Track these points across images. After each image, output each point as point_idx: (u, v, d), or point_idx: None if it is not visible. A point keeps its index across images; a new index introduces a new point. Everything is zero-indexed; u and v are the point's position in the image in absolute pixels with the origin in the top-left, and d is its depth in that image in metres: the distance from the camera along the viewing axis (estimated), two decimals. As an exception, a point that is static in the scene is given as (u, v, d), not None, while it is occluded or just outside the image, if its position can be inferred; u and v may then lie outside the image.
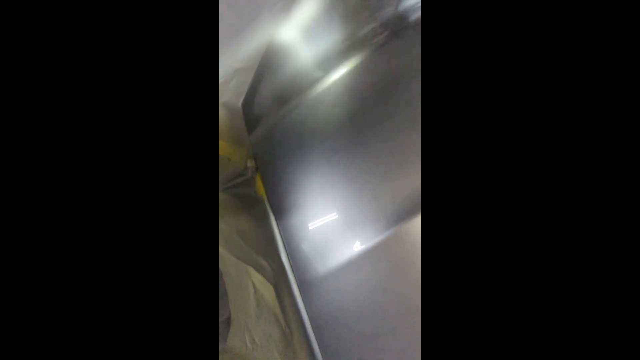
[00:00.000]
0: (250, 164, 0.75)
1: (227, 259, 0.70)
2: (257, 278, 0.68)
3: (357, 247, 0.59)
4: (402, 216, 0.57)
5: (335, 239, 0.61)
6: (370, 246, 0.58)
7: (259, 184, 0.75)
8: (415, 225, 0.56)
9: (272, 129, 0.72)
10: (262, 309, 0.70)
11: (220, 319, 0.80)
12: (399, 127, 0.59)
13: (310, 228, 0.64)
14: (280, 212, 0.68)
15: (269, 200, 0.70)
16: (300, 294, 0.63)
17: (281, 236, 0.67)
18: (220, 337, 0.76)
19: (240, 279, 0.72)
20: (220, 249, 0.69)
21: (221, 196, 0.73)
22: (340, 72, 0.67)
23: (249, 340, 0.70)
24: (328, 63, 0.68)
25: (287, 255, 0.66)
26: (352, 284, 0.59)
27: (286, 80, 0.71)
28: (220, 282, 0.68)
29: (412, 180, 0.57)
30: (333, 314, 0.60)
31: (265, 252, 0.69)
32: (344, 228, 0.61)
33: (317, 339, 0.60)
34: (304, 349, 0.61)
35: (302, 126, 0.68)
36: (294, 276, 0.65)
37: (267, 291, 0.68)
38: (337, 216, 0.62)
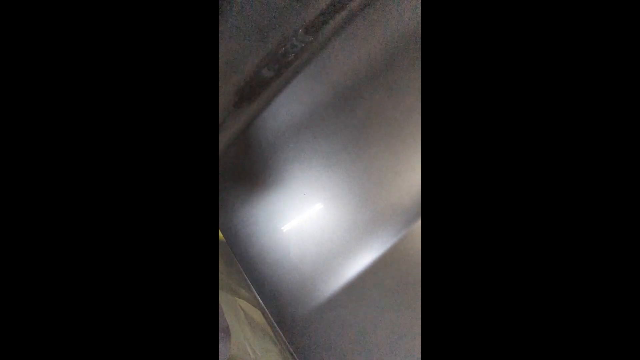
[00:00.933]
0: None
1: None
2: (244, 303, 0.69)
3: (339, 281, 0.55)
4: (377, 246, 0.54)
5: (311, 273, 0.56)
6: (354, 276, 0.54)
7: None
8: (399, 251, 0.54)
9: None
10: (255, 329, 0.71)
11: (220, 326, 0.80)
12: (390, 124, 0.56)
13: (282, 270, 0.59)
14: (245, 259, 0.62)
15: (230, 247, 0.64)
16: (283, 334, 0.59)
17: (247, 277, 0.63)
18: (223, 346, 0.76)
19: (229, 303, 0.72)
20: None
21: None
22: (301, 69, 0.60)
23: (251, 351, 0.71)
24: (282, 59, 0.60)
25: (258, 296, 0.62)
26: (339, 321, 0.55)
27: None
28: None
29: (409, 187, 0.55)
30: (321, 354, 0.57)
31: (243, 285, 0.68)
32: (322, 263, 0.56)
33: None
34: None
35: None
36: (271, 317, 0.61)
37: (256, 314, 0.69)
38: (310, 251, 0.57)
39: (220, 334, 0.98)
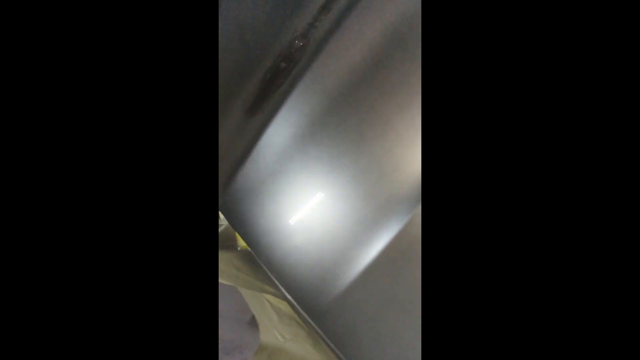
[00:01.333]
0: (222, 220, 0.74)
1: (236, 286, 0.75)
2: (269, 297, 0.75)
3: (357, 269, 0.61)
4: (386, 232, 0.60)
5: (330, 266, 0.62)
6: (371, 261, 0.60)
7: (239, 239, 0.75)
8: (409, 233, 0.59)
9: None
10: (282, 317, 0.77)
11: (246, 318, 0.88)
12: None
13: (302, 267, 0.64)
14: (269, 263, 0.67)
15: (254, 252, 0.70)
16: (313, 321, 0.64)
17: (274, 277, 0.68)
18: (252, 335, 0.83)
19: (254, 298, 0.78)
20: (226, 282, 0.73)
21: None
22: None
23: (280, 336, 0.76)
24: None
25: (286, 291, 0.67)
26: (359, 305, 0.60)
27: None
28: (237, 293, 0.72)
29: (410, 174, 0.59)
30: (351, 336, 0.61)
31: (269, 284, 0.73)
32: (338, 255, 0.61)
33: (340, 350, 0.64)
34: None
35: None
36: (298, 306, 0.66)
37: (282, 305, 0.75)
38: (330, 245, 0.62)
39: (247, 325, 1.05)
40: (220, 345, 1.00)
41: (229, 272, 0.72)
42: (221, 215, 0.71)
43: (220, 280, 0.73)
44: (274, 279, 0.65)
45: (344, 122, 0.60)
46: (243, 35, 0.64)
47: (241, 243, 0.72)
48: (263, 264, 0.65)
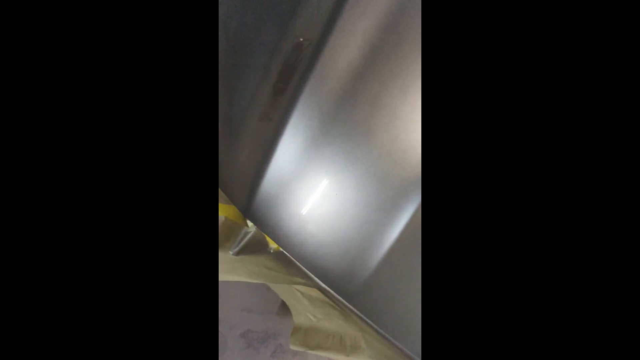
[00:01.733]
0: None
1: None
2: (300, 287, 0.80)
3: (381, 251, 0.65)
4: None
5: (358, 251, 0.66)
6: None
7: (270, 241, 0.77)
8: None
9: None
10: (314, 301, 0.82)
11: (275, 309, 0.92)
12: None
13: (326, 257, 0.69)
14: (302, 259, 0.71)
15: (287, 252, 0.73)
16: (348, 303, 0.70)
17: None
18: (282, 321, 0.86)
19: (285, 288, 0.83)
20: (255, 280, 0.78)
21: (235, 259, 0.76)
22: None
23: (312, 317, 0.81)
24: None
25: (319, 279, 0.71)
26: (393, 278, 0.65)
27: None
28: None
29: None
30: (386, 309, 0.66)
31: (300, 275, 0.77)
32: (364, 241, 0.65)
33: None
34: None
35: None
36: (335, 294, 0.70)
37: (313, 292, 0.80)
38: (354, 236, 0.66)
39: (277, 315, 1.11)
40: (255, 337, 1.06)
41: (259, 272, 0.76)
42: (249, 223, 0.74)
43: (249, 280, 0.77)
44: (308, 272, 0.70)
45: (352, 118, 0.64)
46: (232, 43, 0.65)
47: (273, 245, 0.76)
48: (297, 260, 0.69)
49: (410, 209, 0.65)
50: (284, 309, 1.04)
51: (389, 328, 0.69)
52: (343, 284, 0.69)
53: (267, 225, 0.69)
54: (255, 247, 0.73)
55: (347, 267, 0.67)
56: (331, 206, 0.66)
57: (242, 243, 0.70)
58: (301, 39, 0.65)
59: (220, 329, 1.04)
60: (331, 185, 0.65)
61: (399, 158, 0.65)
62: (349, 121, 0.64)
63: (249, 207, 0.69)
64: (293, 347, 0.88)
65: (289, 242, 0.68)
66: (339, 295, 0.70)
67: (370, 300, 0.68)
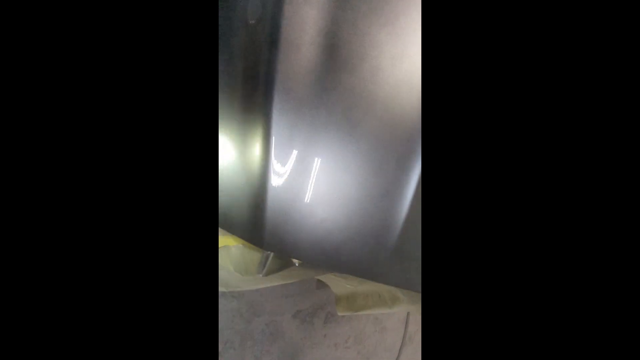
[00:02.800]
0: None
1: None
2: (334, 275, 0.85)
3: (400, 218, 0.64)
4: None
5: (379, 229, 0.65)
6: None
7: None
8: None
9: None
10: (347, 276, 0.88)
11: (313, 286, 0.99)
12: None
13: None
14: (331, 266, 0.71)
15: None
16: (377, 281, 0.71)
17: None
18: (324, 293, 0.91)
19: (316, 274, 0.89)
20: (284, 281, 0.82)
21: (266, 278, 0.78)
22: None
23: (349, 285, 0.86)
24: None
25: None
26: (416, 245, 0.65)
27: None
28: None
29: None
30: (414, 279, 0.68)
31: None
32: (383, 217, 0.65)
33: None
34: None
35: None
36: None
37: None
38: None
39: (316, 290, 1.20)
40: (305, 313, 1.16)
41: (290, 274, 0.80)
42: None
43: (283, 282, 0.82)
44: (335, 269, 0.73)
45: (335, 99, 0.61)
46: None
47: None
48: (323, 267, 0.72)
49: (415, 173, 0.63)
50: (321, 283, 1.12)
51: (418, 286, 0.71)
52: (369, 270, 0.70)
53: (284, 246, 0.68)
54: (281, 265, 0.75)
55: (372, 247, 0.67)
56: (343, 200, 0.65)
57: (268, 264, 0.73)
58: (252, 22, 0.62)
59: (272, 317, 1.14)
60: (337, 175, 0.63)
61: (400, 125, 0.61)
62: (333, 104, 0.61)
63: (260, 241, 0.68)
64: (340, 313, 0.97)
65: (308, 254, 0.69)
66: (366, 279, 0.73)
67: (397, 274, 0.70)
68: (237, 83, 0.66)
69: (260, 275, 0.71)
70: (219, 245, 0.70)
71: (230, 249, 0.71)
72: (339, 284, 0.94)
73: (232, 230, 0.68)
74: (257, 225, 0.65)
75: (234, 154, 0.67)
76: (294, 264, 0.75)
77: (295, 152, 0.63)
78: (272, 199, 0.63)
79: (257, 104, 0.64)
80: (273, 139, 0.63)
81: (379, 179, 0.64)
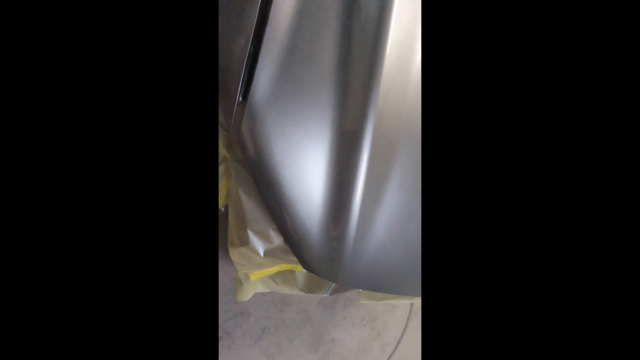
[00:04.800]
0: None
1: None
2: None
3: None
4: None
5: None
6: None
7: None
8: None
9: None
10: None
11: None
12: None
13: None
14: None
15: None
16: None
17: None
18: None
19: None
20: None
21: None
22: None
23: None
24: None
25: None
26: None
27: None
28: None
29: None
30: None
31: None
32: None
33: None
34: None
35: None
36: None
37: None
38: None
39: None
40: (327, 300, 1.34)
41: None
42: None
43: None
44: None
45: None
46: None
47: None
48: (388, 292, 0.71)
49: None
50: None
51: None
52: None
53: (359, 286, 0.67)
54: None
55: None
56: (405, 237, 0.60)
57: (333, 286, 0.84)
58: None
59: (302, 305, 1.32)
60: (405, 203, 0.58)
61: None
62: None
63: (335, 277, 0.64)
64: (363, 302, 1.14)
65: (381, 287, 0.68)
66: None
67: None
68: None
69: (326, 295, 0.83)
70: (283, 269, 0.82)
71: (295, 273, 0.84)
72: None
73: (307, 267, 0.68)
74: (333, 263, 0.61)
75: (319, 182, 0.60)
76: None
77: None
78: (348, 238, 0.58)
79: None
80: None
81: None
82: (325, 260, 0.63)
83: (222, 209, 0.76)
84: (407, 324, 1.52)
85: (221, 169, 0.71)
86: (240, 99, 0.58)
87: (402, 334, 1.45)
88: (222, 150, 0.68)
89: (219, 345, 1.21)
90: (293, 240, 0.63)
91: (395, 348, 1.44)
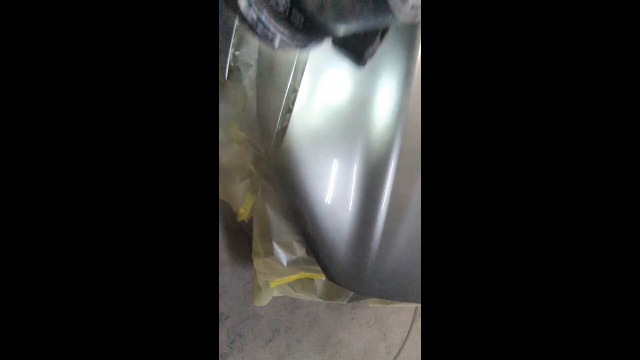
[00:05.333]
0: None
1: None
2: None
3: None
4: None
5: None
6: None
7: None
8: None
9: None
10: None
11: None
12: None
13: None
14: None
15: None
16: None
17: None
18: None
19: None
20: None
21: None
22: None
23: None
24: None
25: None
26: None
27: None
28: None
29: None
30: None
31: None
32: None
33: None
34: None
35: None
36: None
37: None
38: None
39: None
40: (335, 304, 1.39)
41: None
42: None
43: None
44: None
45: None
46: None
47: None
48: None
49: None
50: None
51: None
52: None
53: (380, 295, 0.69)
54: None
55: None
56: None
57: (351, 294, 0.89)
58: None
59: (311, 308, 1.36)
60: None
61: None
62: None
63: (359, 289, 0.67)
64: (371, 305, 1.19)
65: (402, 296, 0.71)
66: None
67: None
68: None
69: (345, 302, 0.88)
70: (302, 277, 0.86)
71: (314, 281, 0.88)
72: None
73: (331, 278, 0.71)
74: (356, 275, 0.65)
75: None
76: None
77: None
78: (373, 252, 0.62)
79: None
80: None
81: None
82: (349, 272, 0.66)
83: (246, 221, 0.80)
84: (411, 325, 1.58)
85: (246, 183, 0.74)
86: (279, 127, 0.62)
87: (407, 336, 1.50)
88: (249, 166, 0.72)
89: (233, 347, 1.25)
90: (321, 254, 0.67)
91: (401, 349, 1.49)
